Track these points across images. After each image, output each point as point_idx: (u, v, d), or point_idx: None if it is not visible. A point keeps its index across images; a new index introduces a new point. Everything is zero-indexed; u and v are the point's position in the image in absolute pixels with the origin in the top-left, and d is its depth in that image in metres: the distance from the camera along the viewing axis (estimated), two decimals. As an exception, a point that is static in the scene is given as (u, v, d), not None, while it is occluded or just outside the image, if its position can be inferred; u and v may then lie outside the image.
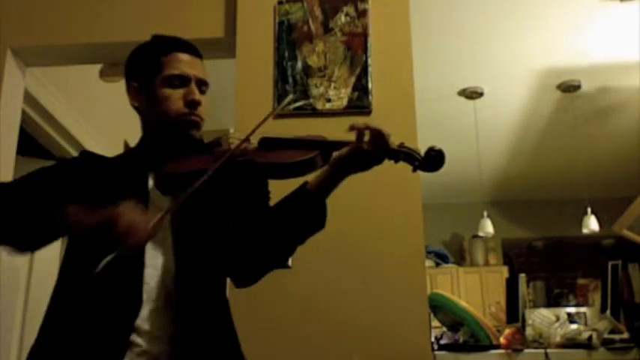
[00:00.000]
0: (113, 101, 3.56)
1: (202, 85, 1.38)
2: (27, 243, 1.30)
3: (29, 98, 2.74)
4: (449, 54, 4.18)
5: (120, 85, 3.31)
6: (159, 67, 1.35)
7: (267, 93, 2.26)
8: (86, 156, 1.45)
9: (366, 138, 1.23)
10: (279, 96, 2.25)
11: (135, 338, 1.20)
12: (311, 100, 2.24)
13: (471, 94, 4.75)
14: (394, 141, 1.26)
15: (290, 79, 2.27)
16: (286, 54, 2.30)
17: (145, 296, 1.22)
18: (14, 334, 2.96)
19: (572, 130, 5.22)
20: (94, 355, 1.18)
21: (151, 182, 1.33)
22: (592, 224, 5.42)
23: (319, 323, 2.05)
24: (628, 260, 2.84)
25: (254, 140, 1.32)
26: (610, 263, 2.87)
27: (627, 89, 4.70)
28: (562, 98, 4.85)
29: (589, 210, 5.47)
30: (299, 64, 2.29)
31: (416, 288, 2.08)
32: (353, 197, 2.13)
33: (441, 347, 2.57)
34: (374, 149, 1.23)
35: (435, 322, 2.89)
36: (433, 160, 1.25)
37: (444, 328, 2.82)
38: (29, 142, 3.07)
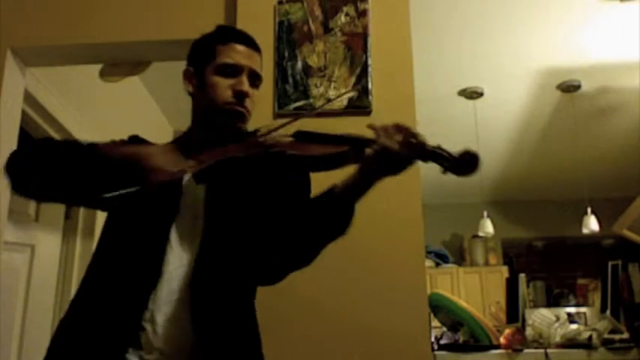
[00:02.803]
0: (113, 101, 3.57)
1: (255, 78, 1.38)
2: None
3: (29, 98, 2.74)
4: (449, 54, 4.18)
5: (120, 85, 3.33)
6: (213, 54, 1.36)
7: (267, 93, 2.26)
8: (136, 141, 1.44)
9: (396, 137, 1.19)
10: (279, 96, 2.25)
11: (147, 326, 1.19)
12: (311, 100, 2.24)
13: (471, 94, 4.75)
14: (424, 140, 1.20)
15: (290, 79, 2.27)
16: (286, 54, 2.30)
17: (165, 286, 1.22)
18: (14, 334, 2.96)
19: (573, 130, 5.22)
20: (108, 331, 1.19)
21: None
22: (592, 224, 5.42)
23: (319, 323, 2.05)
24: (628, 260, 2.84)
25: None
26: (610, 263, 2.88)
27: (627, 89, 4.70)
28: (562, 98, 4.85)
29: (589, 210, 5.47)
30: (299, 64, 2.29)
31: (416, 288, 2.08)
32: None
33: (441, 347, 2.58)
34: (400, 148, 1.18)
35: (435, 322, 2.90)
36: (465, 164, 1.20)
37: (444, 328, 2.83)
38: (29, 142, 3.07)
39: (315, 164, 1.28)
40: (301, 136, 1.32)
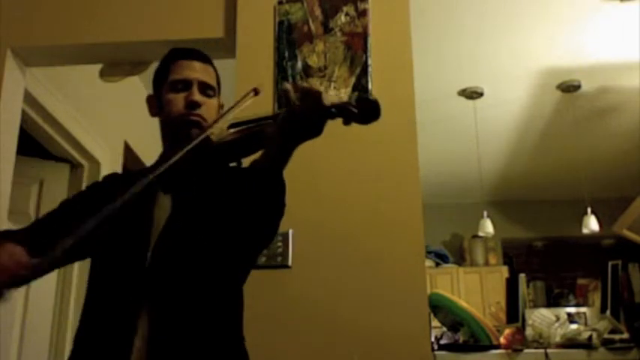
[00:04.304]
0: (113, 101, 3.57)
1: (207, 88, 1.42)
2: None
3: (29, 98, 2.74)
4: (449, 54, 4.18)
5: (120, 85, 3.33)
6: (166, 75, 1.43)
7: (267, 93, 2.26)
8: (112, 175, 1.54)
9: (300, 98, 1.20)
10: (280, 96, 2.25)
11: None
12: (311, 100, 2.23)
13: (471, 94, 4.75)
14: (329, 98, 1.21)
15: (290, 79, 2.27)
16: (286, 54, 2.30)
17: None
18: (14, 335, 2.96)
19: (572, 130, 5.22)
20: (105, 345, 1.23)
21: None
22: (592, 224, 5.42)
23: (319, 323, 2.05)
24: (628, 260, 2.84)
25: None
26: (610, 263, 2.87)
27: (627, 89, 4.70)
28: (562, 98, 4.85)
29: (589, 210, 5.47)
30: (299, 64, 2.29)
31: (416, 288, 2.08)
32: (353, 197, 2.14)
33: (441, 347, 2.58)
34: (304, 107, 1.19)
35: (435, 322, 2.89)
36: (366, 111, 1.20)
37: (444, 328, 2.83)
38: (29, 142, 3.07)
39: (239, 148, 1.32)
40: (236, 126, 1.37)
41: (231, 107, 1.36)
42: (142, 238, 1.30)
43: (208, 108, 1.40)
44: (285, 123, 1.21)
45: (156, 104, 1.46)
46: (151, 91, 1.50)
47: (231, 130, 1.37)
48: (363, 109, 1.20)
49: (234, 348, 1.31)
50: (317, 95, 1.19)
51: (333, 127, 1.26)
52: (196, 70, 1.42)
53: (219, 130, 1.37)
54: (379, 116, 1.21)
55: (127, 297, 1.25)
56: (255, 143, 1.31)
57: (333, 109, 1.20)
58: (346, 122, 1.21)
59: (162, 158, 1.44)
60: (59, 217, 1.43)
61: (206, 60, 1.46)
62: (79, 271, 3.33)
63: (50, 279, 3.25)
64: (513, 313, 2.91)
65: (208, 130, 1.34)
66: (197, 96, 1.39)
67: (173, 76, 1.41)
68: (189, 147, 1.26)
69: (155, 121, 1.48)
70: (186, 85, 1.40)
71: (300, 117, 1.20)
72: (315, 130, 1.21)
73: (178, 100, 1.39)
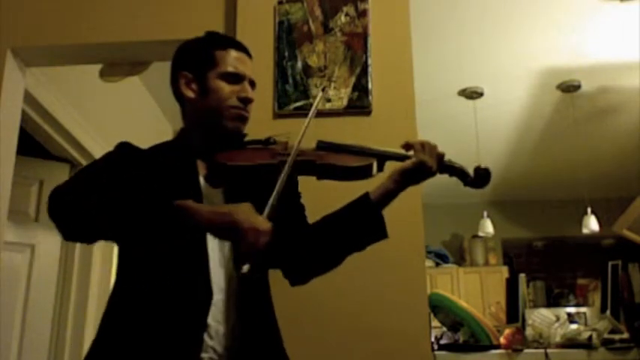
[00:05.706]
0: (113, 101, 3.57)
1: (253, 85, 1.44)
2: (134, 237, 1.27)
3: (29, 98, 2.74)
4: (449, 54, 4.18)
5: (120, 85, 3.33)
6: (213, 60, 1.40)
7: (267, 93, 2.26)
8: (129, 149, 1.43)
9: (425, 152, 1.36)
10: (279, 96, 2.25)
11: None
12: (311, 100, 2.24)
13: (471, 94, 4.75)
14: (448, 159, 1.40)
15: (290, 79, 2.27)
16: (286, 54, 2.30)
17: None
18: (14, 334, 2.96)
19: (572, 130, 5.22)
20: (169, 356, 1.20)
21: (201, 176, 1.36)
22: (592, 224, 5.42)
23: (318, 323, 2.05)
24: (628, 260, 2.84)
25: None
26: (610, 263, 2.87)
27: (627, 89, 4.70)
28: (562, 98, 4.85)
29: (589, 210, 5.47)
30: (299, 64, 2.29)
31: (416, 288, 2.08)
32: (353, 197, 2.13)
33: (441, 347, 2.58)
34: (433, 163, 1.35)
35: (435, 322, 2.89)
36: (481, 178, 1.42)
37: (444, 328, 2.83)
38: (29, 142, 3.07)
39: (343, 174, 1.36)
40: (324, 146, 1.40)
41: (310, 116, 1.37)
42: (198, 239, 1.27)
43: (252, 106, 1.43)
44: (412, 172, 1.36)
45: (196, 87, 1.40)
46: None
47: (312, 147, 1.39)
48: (477, 175, 1.42)
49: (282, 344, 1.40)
50: (441, 155, 1.38)
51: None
52: (247, 65, 1.43)
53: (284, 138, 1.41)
54: (488, 184, 1.43)
55: (195, 294, 1.23)
56: (351, 175, 1.37)
57: (452, 170, 1.41)
58: (465, 185, 1.42)
59: (183, 136, 1.45)
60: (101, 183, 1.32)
61: (250, 53, 1.47)
62: (78, 270, 3.33)
63: (50, 277, 3.25)
64: (513, 313, 2.91)
65: (298, 144, 1.32)
66: (251, 93, 1.41)
67: (226, 68, 1.39)
68: (291, 168, 1.27)
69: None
70: (238, 78, 1.40)
71: (426, 171, 1.36)
72: (423, 181, 1.40)
73: (230, 91, 1.38)
